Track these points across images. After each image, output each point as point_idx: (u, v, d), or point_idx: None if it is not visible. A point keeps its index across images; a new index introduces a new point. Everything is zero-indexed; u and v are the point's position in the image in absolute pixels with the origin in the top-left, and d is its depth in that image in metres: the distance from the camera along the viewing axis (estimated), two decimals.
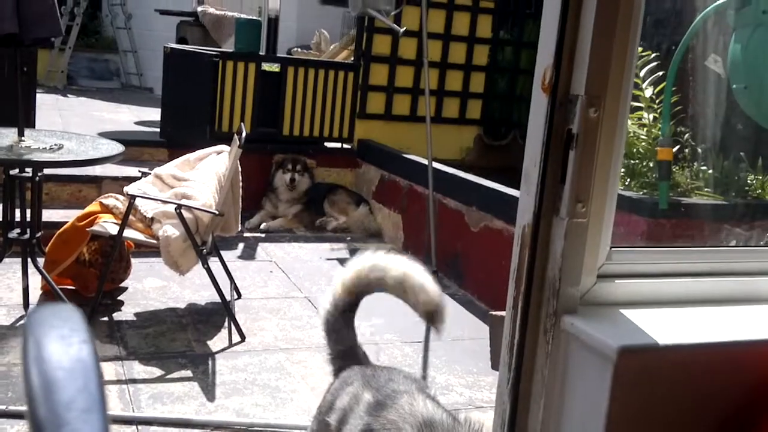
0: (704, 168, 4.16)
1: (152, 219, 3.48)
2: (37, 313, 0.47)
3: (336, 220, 5.41)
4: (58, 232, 3.58)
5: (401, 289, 1.59)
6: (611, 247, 1.33)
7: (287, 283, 4.29)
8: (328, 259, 4.81)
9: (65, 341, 0.42)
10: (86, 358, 0.42)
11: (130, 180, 4.01)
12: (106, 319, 3.50)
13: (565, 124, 1.21)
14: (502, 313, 1.34)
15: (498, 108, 6.61)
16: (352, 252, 5.01)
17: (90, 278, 3.67)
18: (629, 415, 1.18)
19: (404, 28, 5.19)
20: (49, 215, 4.12)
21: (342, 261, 4.80)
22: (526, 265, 1.25)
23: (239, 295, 3.94)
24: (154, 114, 6.79)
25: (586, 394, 1.21)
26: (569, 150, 1.21)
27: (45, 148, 3.41)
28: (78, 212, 3.66)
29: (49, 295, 3.52)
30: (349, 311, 1.67)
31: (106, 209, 3.56)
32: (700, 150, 4.19)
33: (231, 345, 3.34)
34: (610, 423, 1.17)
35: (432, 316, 1.56)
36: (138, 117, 7.25)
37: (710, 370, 1.24)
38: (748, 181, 4.12)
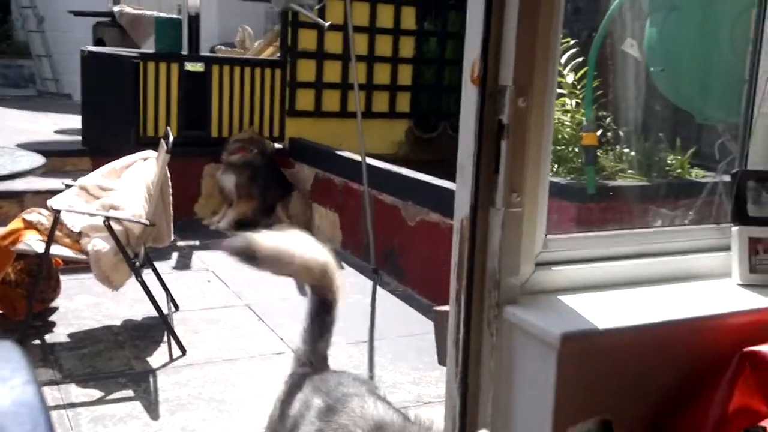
0: (627, 150, 4.30)
1: (80, 233, 3.37)
2: None
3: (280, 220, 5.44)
4: None
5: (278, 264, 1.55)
6: (546, 235, 1.36)
7: (226, 291, 4.23)
8: None
9: (6, 384, 0.39)
10: (32, 400, 0.39)
11: (54, 193, 3.87)
12: (38, 342, 3.37)
13: (495, 115, 1.23)
14: (446, 307, 1.35)
15: (426, 100, 6.66)
16: None
17: (17, 300, 3.53)
18: (575, 399, 1.20)
19: (329, 23, 5.16)
20: None
21: None
22: (466, 259, 1.26)
23: (177, 308, 3.86)
24: (75, 121, 6.57)
25: (533, 382, 1.23)
26: (501, 140, 1.22)
27: None
28: (0, 230, 3.52)
29: None
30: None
31: (30, 225, 3.43)
32: (622, 133, 4.33)
33: (172, 360, 3.27)
34: (558, 408, 1.19)
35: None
36: (57, 125, 7.01)
37: (648, 350, 1.29)
38: (668, 162, 4.28)
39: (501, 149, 1.22)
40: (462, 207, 1.28)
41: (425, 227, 4.26)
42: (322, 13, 5.66)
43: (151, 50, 5.89)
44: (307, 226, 5.48)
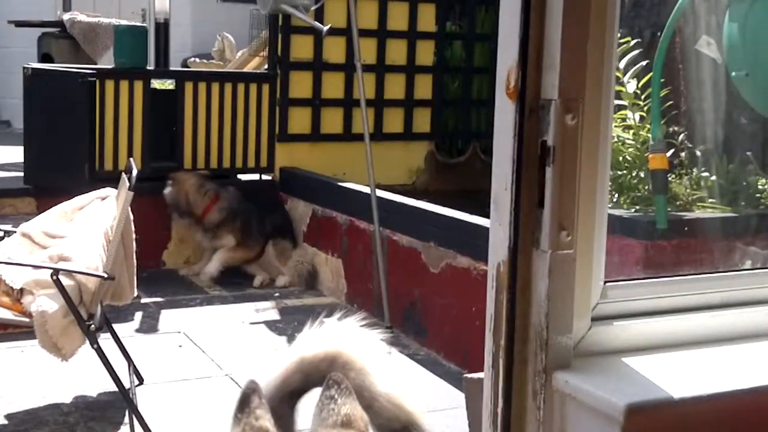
0: (706, 174, 4.29)
1: (22, 291, 3.39)
2: None
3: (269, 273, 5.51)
4: None
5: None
6: (605, 282, 1.36)
7: (202, 358, 4.23)
8: (253, 323, 4.77)
9: None
10: None
11: None
12: None
13: (538, 135, 1.24)
14: (480, 375, 1.35)
15: (452, 117, 6.71)
16: (284, 312, 4.98)
17: None
18: None
19: (329, 26, 5.25)
20: None
21: (273, 325, 4.76)
22: (505, 313, 1.27)
23: (141, 380, 3.86)
24: (15, 154, 6.66)
25: None
26: (545, 166, 1.24)
27: None
28: None
29: None
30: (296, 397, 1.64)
31: None
32: (699, 153, 4.33)
33: None
34: None
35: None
36: None
37: (732, 424, 1.28)
38: (759, 187, 4.26)
39: (546, 177, 1.24)
40: (498, 249, 1.29)
41: (452, 275, 4.27)
42: (319, 15, 5.77)
43: (110, 65, 6.00)
44: (305, 274, 5.51)
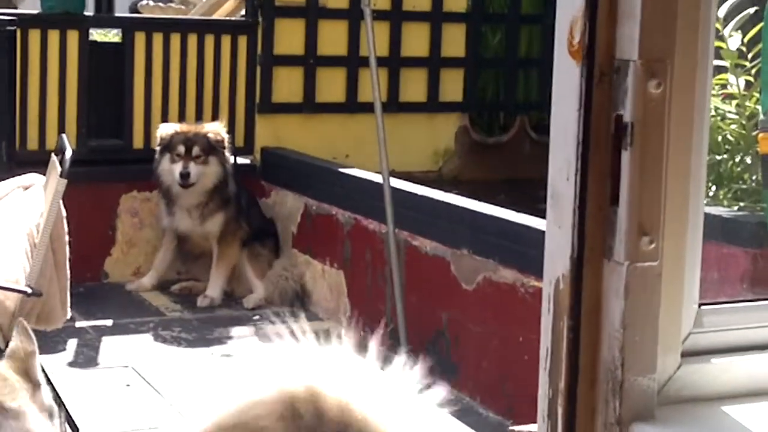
0: None
1: None
2: None
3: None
4: None
5: None
6: (700, 305, 1.36)
7: (156, 402, 4.24)
8: (225, 356, 4.78)
9: None
10: None
11: None
12: None
13: (611, 107, 1.24)
14: (531, 427, 1.36)
15: (491, 81, 6.71)
16: (264, 338, 4.98)
17: None
18: None
19: None
20: None
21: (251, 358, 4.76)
22: (565, 345, 1.27)
23: (76, 431, 3.88)
24: None
25: None
26: (621, 150, 1.24)
27: None
28: None
29: None
30: None
31: None
32: None
33: None
34: None
35: None
36: None
37: None
38: None
39: (622, 164, 1.24)
40: (557, 260, 1.29)
41: (491, 293, 4.27)
42: None
43: (36, 11, 6.02)
44: (290, 293, 5.53)
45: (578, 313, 1.26)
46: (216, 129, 5.54)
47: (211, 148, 5.50)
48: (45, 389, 2.28)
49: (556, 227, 1.28)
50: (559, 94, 1.29)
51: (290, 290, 5.52)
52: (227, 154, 5.55)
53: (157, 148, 5.51)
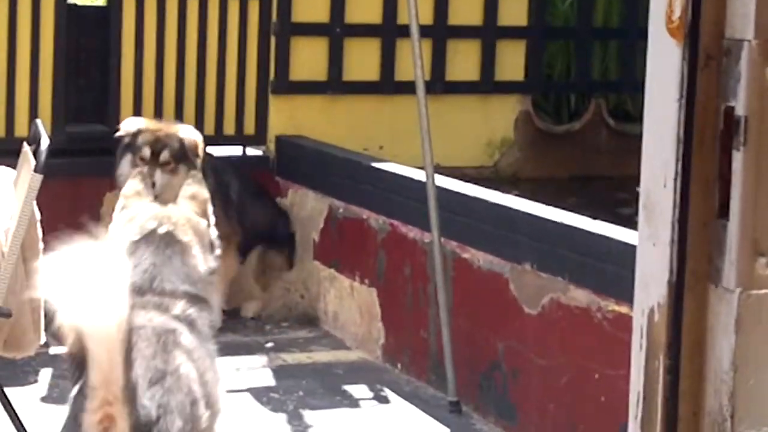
0: None
1: None
2: None
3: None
4: None
5: None
6: None
7: None
8: (228, 392, 4.79)
9: None
10: None
11: None
12: None
13: (719, 98, 1.24)
14: None
15: (561, 56, 6.68)
16: (282, 374, 5.00)
17: None
18: None
19: None
20: None
21: (261, 395, 4.78)
22: (661, 390, 1.27)
23: None
24: None
25: None
26: (732, 149, 1.23)
27: None
28: None
29: None
30: None
31: None
32: None
33: None
34: None
35: None
36: None
37: None
38: None
39: (733, 169, 1.23)
40: (651, 284, 1.30)
41: (561, 318, 4.25)
42: None
43: None
44: (298, 309, 5.56)
45: (677, 351, 1.26)
46: (191, 132, 5.37)
47: (183, 155, 5.35)
48: (212, 227, 3.38)
49: (650, 244, 1.28)
50: (654, 80, 1.28)
51: (297, 307, 5.54)
52: (198, 164, 5.38)
53: (119, 144, 5.40)
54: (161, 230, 3.18)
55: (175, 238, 3.19)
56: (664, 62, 1.31)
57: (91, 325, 2.57)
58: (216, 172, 5.55)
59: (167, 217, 3.23)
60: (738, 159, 1.27)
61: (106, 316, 2.55)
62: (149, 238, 3.17)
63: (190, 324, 3.03)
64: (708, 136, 1.28)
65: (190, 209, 3.31)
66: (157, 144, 5.27)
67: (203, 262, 3.23)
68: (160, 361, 2.84)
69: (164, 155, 5.26)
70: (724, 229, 1.28)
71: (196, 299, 3.12)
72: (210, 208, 3.36)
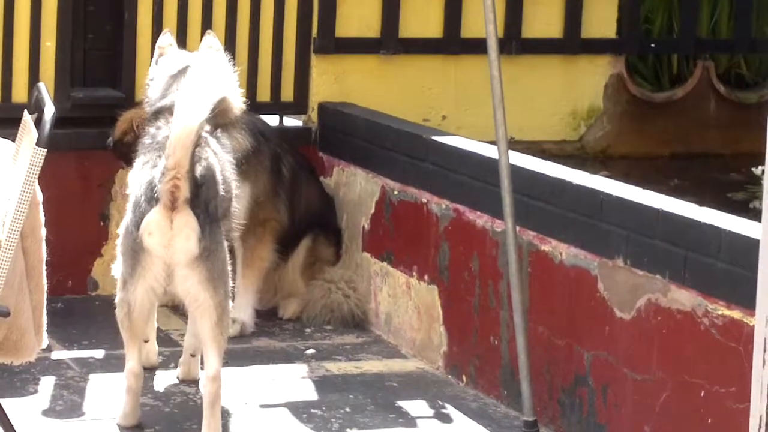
0: None
1: None
2: None
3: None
4: None
5: None
6: None
7: None
8: (264, 407, 4.82)
9: None
10: None
11: None
12: None
13: None
14: None
15: (660, 8, 6.65)
16: (324, 387, 5.02)
17: None
18: None
19: None
20: None
21: (301, 410, 4.79)
22: None
23: None
24: None
25: None
26: None
27: None
28: None
29: None
30: None
31: None
32: None
33: None
34: None
35: None
36: None
37: None
38: None
39: None
40: None
41: (660, 323, 4.24)
42: None
43: None
44: (346, 314, 5.66)
45: None
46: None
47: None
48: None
49: None
50: None
51: (346, 312, 5.64)
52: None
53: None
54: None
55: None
56: None
57: (184, 120, 4.21)
58: (266, 141, 5.58)
59: (196, 58, 4.87)
60: None
61: (190, 121, 4.21)
62: (184, 72, 4.73)
63: (216, 137, 4.77)
64: None
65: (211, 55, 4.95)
66: None
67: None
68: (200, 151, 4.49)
69: None
70: None
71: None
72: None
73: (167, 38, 5.12)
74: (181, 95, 4.36)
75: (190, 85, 4.42)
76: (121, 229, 4.49)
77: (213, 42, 5.02)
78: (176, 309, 5.58)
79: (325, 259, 5.77)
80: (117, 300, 4.44)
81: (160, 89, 4.78)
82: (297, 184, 5.69)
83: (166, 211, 4.25)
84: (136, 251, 4.34)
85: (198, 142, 4.32)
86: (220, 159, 4.75)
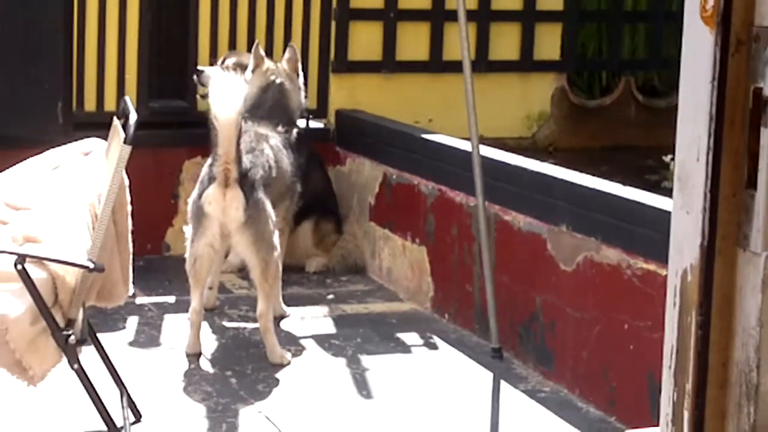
0: None
1: None
2: None
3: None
4: None
5: None
6: None
7: (223, 384, 4.31)
8: (297, 338, 4.83)
9: None
10: None
11: None
12: None
13: (748, 80, 1.22)
14: (653, 431, 1.36)
15: (593, 37, 6.63)
16: (341, 323, 5.03)
17: None
18: None
19: None
20: None
21: (323, 341, 4.80)
22: (693, 343, 1.26)
23: (138, 417, 3.93)
24: None
25: None
26: (760, 127, 1.22)
27: None
28: None
29: None
30: None
31: None
32: None
33: None
34: None
35: None
36: None
37: None
38: None
39: (761, 144, 1.22)
40: (685, 248, 1.29)
41: (593, 275, 4.25)
42: None
43: None
44: (351, 262, 5.70)
45: (708, 308, 1.25)
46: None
47: None
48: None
49: (684, 212, 1.26)
50: (689, 63, 1.27)
51: (351, 260, 5.71)
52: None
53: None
54: (277, 80, 5.17)
55: (284, 86, 5.19)
56: (698, 47, 1.31)
57: (222, 116, 4.29)
58: (298, 137, 5.58)
59: (278, 72, 5.20)
60: (765, 135, 1.27)
61: (229, 111, 4.29)
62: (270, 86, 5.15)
63: (283, 137, 5.04)
64: (738, 114, 1.28)
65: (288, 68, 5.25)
66: None
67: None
68: (254, 142, 4.76)
69: None
70: (752, 199, 1.27)
71: (291, 123, 5.21)
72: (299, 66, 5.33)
73: (260, 51, 5.28)
74: (214, 96, 4.41)
75: (220, 86, 4.46)
76: (189, 201, 4.65)
77: (292, 54, 5.25)
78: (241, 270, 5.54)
79: (329, 232, 5.78)
80: (186, 255, 4.63)
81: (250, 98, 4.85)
82: (309, 171, 5.63)
83: (221, 188, 4.40)
84: (199, 217, 4.50)
85: (239, 134, 4.38)
86: (277, 152, 4.91)
